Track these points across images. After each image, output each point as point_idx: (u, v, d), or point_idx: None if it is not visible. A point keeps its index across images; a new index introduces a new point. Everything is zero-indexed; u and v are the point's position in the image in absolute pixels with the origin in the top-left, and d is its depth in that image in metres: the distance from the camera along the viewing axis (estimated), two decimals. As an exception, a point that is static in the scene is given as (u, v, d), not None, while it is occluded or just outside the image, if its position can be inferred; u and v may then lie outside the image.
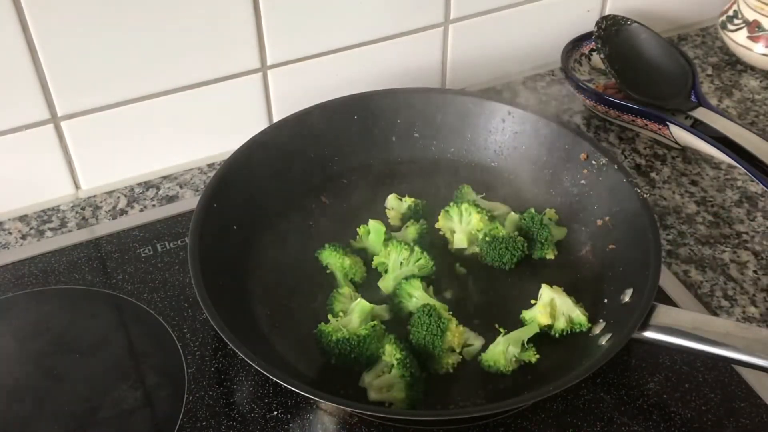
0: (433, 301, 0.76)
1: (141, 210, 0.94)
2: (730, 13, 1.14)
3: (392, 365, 0.70)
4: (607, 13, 1.15)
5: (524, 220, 0.85)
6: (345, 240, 0.85)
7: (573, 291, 0.78)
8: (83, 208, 0.94)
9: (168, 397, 0.73)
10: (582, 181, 0.88)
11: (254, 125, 0.92)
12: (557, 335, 0.75)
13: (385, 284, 0.81)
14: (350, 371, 0.72)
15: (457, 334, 0.74)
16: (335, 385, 0.72)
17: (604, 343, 0.72)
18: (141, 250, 0.87)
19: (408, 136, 0.96)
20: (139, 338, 0.79)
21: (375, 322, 0.73)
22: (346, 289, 0.78)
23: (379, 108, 0.94)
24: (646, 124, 1.01)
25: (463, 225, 0.84)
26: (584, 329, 0.75)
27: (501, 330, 0.75)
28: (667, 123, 0.97)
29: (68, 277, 0.84)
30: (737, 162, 0.89)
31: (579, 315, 0.75)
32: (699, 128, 0.95)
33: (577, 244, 0.85)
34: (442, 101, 0.95)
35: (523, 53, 1.13)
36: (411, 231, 0.85)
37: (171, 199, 0.95)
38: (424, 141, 0.96)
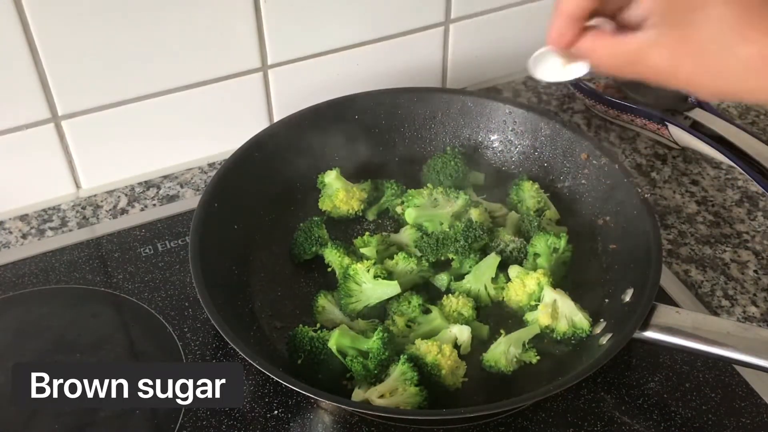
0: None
1: (142, 209, 0.94)
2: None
3: (401, 375, 0.69)
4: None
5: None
6: (346, 239, 0.85)
7: (574, 291, 0.78)
8: (84, 208, 0.94)
9: (169, 397, 0.73)
10: (582, 181, 0.88)
11: (254, 125, 0.92)
12: (558, 338, 0.75)
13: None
14: (349, 371, 0.72)
15: (452, 359, 0.72)
16: (336, 384, 0.72)
17: (604, 342, 0.72)
18: (141, 249, 0.87)
19: (408, 136, 0.96)
20: (140, 337, 0.79)
21: (381, 328, 0.72)
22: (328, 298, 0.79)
23: (380, 108, 0.94)
24: (645, 124, 1.01)
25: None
26: (586, 335, 0.75)
27: (502, 331, 0.75)
28: (666, 123, 0.97)
29: (69, 276, 0.84)
30: (735, 163, 0.89)
31: (581, 319, 0.75)
32: (697, 129, 0.95)
33: (577, 243, 0.85)
34: (443, 101, 0.95)
35: (523, 53, 1.13)
36: (409, 233, 0.85)
37: (171, 198, 0.95)
38: (424, 140, 0.96)
